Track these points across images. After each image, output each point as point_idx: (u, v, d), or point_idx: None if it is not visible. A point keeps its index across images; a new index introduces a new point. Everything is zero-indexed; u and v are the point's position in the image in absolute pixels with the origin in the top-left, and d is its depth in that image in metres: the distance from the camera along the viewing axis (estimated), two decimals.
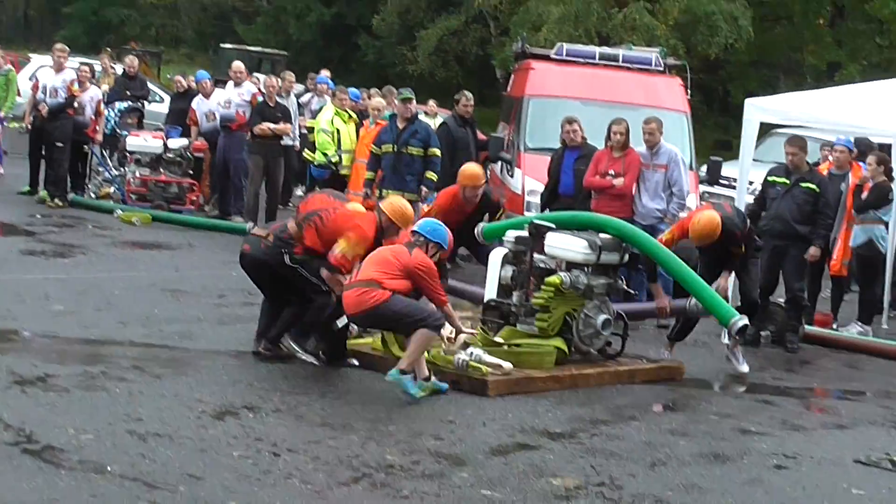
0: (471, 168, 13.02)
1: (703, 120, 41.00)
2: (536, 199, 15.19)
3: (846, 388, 11.52)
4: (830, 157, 15.31)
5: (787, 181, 12.99)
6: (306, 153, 18.59)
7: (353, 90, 20.42)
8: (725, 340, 11.62)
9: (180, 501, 6.71)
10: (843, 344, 13.44)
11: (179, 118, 19.71)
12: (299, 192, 21.54)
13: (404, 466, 7.70)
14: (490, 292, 11.04)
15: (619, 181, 13.49)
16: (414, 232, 9.99)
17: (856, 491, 8.17)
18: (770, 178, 13.27)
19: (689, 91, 17.84)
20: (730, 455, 8.73)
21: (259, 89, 18.67)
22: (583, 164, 14.14)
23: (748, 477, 8.25)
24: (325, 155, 17.02)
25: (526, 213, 15.09)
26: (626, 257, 11.07)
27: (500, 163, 17.22)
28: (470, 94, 17.15)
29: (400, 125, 14.96)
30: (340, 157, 17.00)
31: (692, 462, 8.45)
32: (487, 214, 12.94)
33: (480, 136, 18.30)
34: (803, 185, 12.87)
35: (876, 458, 9.01)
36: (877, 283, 14.39)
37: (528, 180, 15.77)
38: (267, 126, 17.75)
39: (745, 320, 10.73)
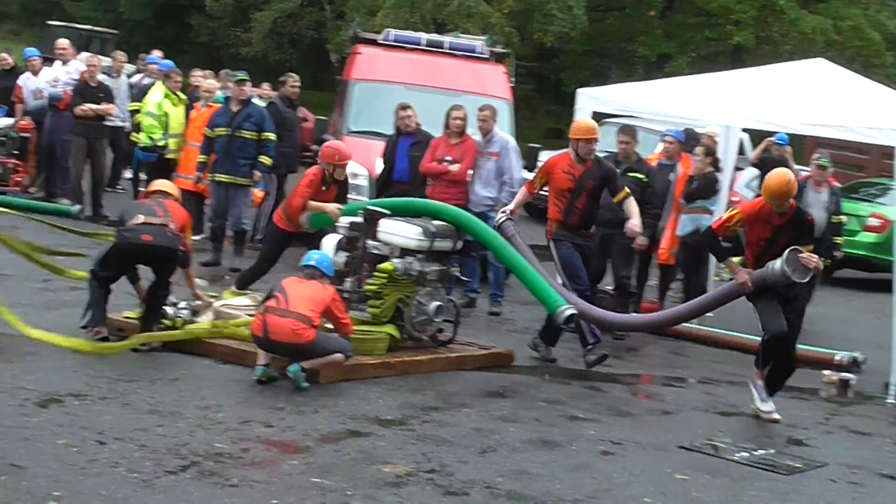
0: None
1: (537, 108, 41.57)
2: (358, 182, 15.18)
3: (671, 374, 11.77)
4: (660, 147, 15.61)
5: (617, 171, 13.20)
6: (133, 135, 18.26)
7: (167, 62, 20.13)
8: (757, 398, 10.51)
9: (1, 493, 6.55)
10: (669, 331, 13.71)
11: (4, 97, 19.19)
12: (129, 174, 21.15)
13: (233, 454, 7.64)
14: None
15: (455, 167, 13.55)
16: (311, 267, 9.96)
17: (679, 476, 8.35)
18: None
19: (513, 79, 18.03)
20: (558, 441, 8.86)
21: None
22: (417, 151, 14.17)
23: (576, 463, 8.39)
24: (150, 138, 16.72)
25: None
26: (460, 244, 11.12)
27: None
28: (297, 76, 17.07)
29: (234, 108, 14.79)
30: (167, 140, 16.70)
31: (522, 448, 8.56)
32: None
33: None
34: (631, 174, 13.10)
35: (699, 443, 9.25)
36: (702, 271, 14.71)
37: (351, 164, 15.70)
38: (89, 107, 17.40)
39: (572, 309, 10.84)
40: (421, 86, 16.52)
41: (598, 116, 15.76)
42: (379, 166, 14.87)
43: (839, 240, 15.34)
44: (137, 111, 17.92)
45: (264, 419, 8.50)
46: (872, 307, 17.20)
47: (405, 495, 7.26)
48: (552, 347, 11.65)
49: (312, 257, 10.06)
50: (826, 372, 12.44)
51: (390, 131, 14.84)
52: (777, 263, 10.10)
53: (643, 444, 9.05)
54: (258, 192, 17.35)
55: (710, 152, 14.38)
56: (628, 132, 13.53)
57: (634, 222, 11.64)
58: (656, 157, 15.36)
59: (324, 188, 12.07)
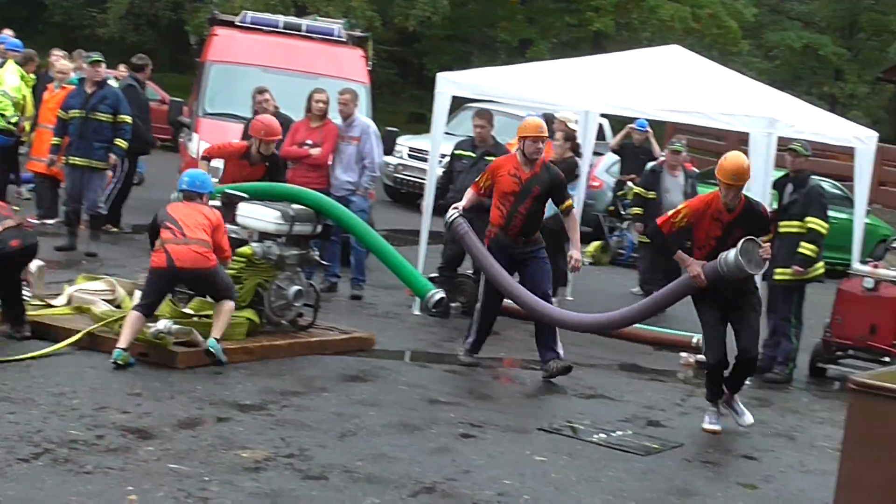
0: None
1: (399, 92, 41.51)
2: (214, 164, 15.01)
3: (532, 358, 11.81)
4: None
5: (473, 154, 13.26)
6: None
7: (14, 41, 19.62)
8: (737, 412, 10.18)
9: None
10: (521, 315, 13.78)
11: None
12: None
13: (88, 441, 7.51)
14: None
15: (315, 151, 13.47)
16: (186, 191, 10.17)
17: (538, 457, 8.41)
18: (457, 152, 13.52)
19: (371, 63, 18.03)
20: (418, 424, 8.85)
21: None
22: None
23: (436, 445, 8.39)
24: (2, 116, 16.25)
25: None
26: (320, 228, 11.04)
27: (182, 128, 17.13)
28: (146, 57, 16.99)
29: (88, 90, 14.48)
30: (21, 122, 16.32)
31: (382, 432, 8.54)
32: None
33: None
34: (488, 158, 13.15)
35: (558, 425, 9.32)
36: (561, 255, 14.80)
37: (204, 145, 15.59)
38: None
39: (441, 293, 10.87)
40: (277, 68, 16.50)
41: (459, 101, 15.85)
42: None
43: None
44: None
45: (120, 405, 8.36)
46: None
47: (263, 480, 7.20)
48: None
49: (184, 180, 10.21)
50: (683, 354, 12.62)
51: (246, 114, 14.72)
52: (731, 254, 9.46)
53: (503, 427, 9.09)
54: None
55: (570, 137, 14.47)
56: (483, 116, 13.59)
57: (576, 254, 11.23)
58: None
59: (250, 164, 11.94)
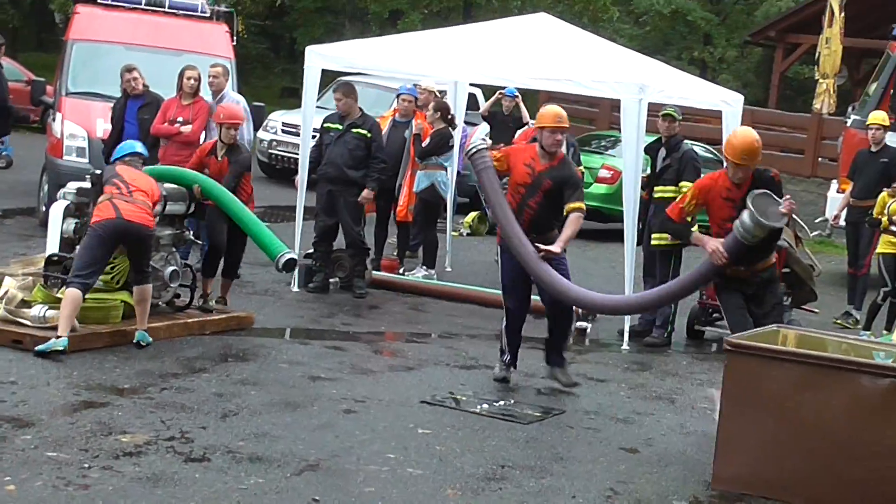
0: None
1: (271, 67, 41.17)
2: (76, 143, 15.18)
3: (413, 330, 11.84)
4: (396, 105, 15.65)
5: (341, 127, 13.23)
6: None
7: None
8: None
9: None
10: (410, 288, 13.82)
11: None
12: None
13: None
14: (52, 246, 10.64)
15: (187, 128, 13.31)
16: (130, 154, 10.47)
17: (422, 430, 8.41)
18: (325, 125, 13.47)
19: (235, 37, 18.00)
20: (300, 402, 8.81)
21: None
22: (146, 113, 13.85)
23: (319, 422, 8.35)
24: None
25: (65, 158, 15.16)
26: (193, 207, 10.91)
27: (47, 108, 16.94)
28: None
29: None
30: None
31: (263, 411, 8.47)
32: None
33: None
34: (354, 130, 13.14)
35: (441, 397, 9.34)
36: (434, 226, 14.84)
37: (68, 124, 15.55)
38: None
39: (292, 254, 10.83)
40: (141, 46, 16.34)
41: (333, 75, 15.75)
42: (100, 127, 14.80)
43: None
44: None
45: None
46: (606, 257, 17.70)
47: (145, 464, 7.11)
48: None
49: (124, 149, 10.50)
50: None
51: (110, 92, 14.59)
52: (745, 215, 8.76)
53: (386, 401, 9.08)
54: None
55: (442, 108, 14.49)
56: (340, 89, 13.57)
57: (554, 248, 9.73)
58: (391, 114, 15.41)
59: (217, 159, 11.66)
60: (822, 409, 7.54)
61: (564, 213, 9.83)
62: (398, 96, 15.43)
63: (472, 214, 19.51)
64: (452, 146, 14.60)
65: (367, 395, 9.18)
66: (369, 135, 13.23)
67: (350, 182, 13.10)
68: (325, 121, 13.58)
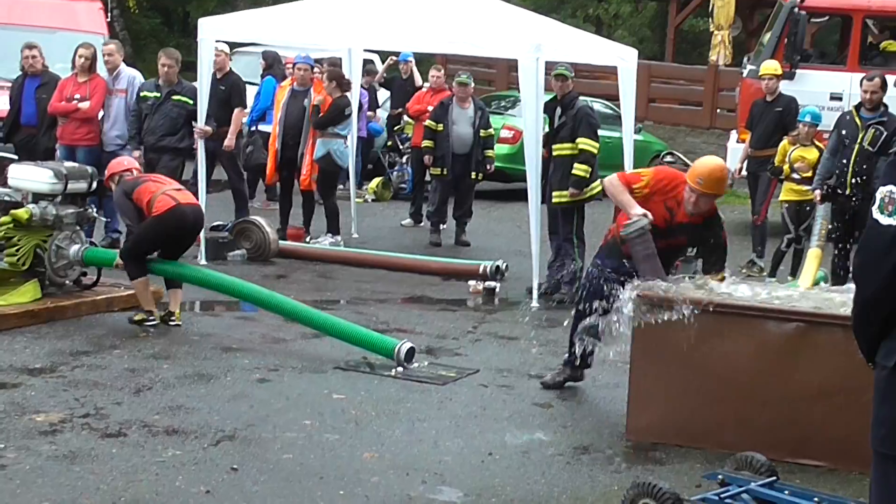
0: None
1: (165, 41, 40.70)
2: None
3: (322, 298, 11.86)
4: (293, 74, 15.63)
5: (159, 94, 13.28)
6: None
7: None
8: None
9: None
10: (317, 256, 13.83)
11: None
12: None
13: None
14: None
15: (84, 105, 13.22)
16: None
17: (336, 396, 8.48)
18: (142, 94, 13.43)
19: (109, 14, 18.48)
20: (213, 373, 8.83)
21: None
22: (44, 92, 13.76)
23: (233, 393, 8.39)
24: None
25: None
26: (95, 185, 10.83)
27: None
28: None
29: None
30: None
31: (177, 384, 8.49)
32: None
33: None
34: (175, 97, 13.16)
35: (354, 362, 9.38)
36: (335, 193, 14.89)
37: None
38: None
39: (408, 342, 9.52)
40: (15, 25, 16.52)
41: (231, 47, 15.67)
42: None
43: (490, 153, 15.83)
44: None
45: None
46: (511, 216, 17.83)
47: (61, 442, 7.11)
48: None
49: None
50: (471, 282, 12.80)
51: None
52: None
53: (299, 369, 9.13)
54: None
55: (336, 77, 14.51)
56: (171, 55, 13.61)
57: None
58: (289, 83, 15.39)
59: None
60: (729, 357, 7.70)
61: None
62: (294, 65, 15.43)
63: (376, 180, 19.55)
64: (349, 114, 14.61)
65: (279, 363, 9.22)
66: (191, 102, 13.35)
67: (167, 150, 13.18)
68: (141, 89, 13.52)
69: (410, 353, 9.37)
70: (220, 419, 7.75)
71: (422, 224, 16.59)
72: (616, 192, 8.45)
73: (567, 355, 9.07)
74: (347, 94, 14.62)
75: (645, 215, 8.20)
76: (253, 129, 16.92)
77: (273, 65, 17.66)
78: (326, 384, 8.76)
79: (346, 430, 7.72)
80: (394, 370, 9.21)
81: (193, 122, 13.36)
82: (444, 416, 8.20)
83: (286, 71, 17.28)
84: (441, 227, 15.85)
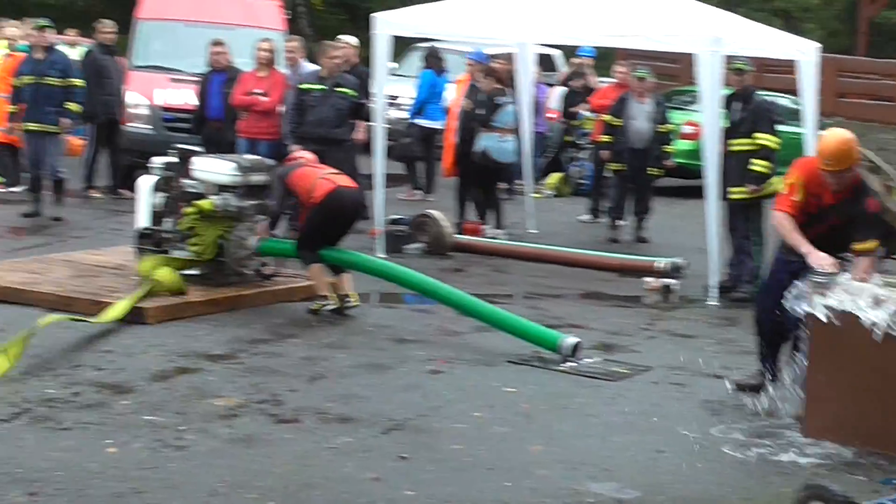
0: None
1: None
2: (139, 111, 16.37)
3: (496, 292, 11.92)
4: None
5: (324, 87, 13.28)
6: None
7: None
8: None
9: None
10: (493, 250, 13.89)
11: None
12: None
13: (65, 399, 7.63)
14: (142, 220, 10.90)
15: (265, 98, 13.57)
16: None
17: (507, 389, 8.54)
18: (303, 86, 13.40)
19: (288, 11, 19.30)
20: (387, 364, 8.98)
21: None
22: (231, 87, 14.18)
23: (406, 383, 8.52)
24: None
25: (128, 125, 16.29)
26: None
27: None
28: (109, 22, 16.78)
29: (38, 56, 14.44)
30: None
31: (351, 373, 8.66)
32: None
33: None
34: (339, 89, 13.27)
35: (526, 356, 9.42)
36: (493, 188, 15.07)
37: (133, 95, 16.52)
38: None
39: (573, 337, 9.57)
40: (199, 22, 17.29)
41: (405, 42, 15.89)
42: (159, 97, 16.15)
43: (668, 148, 15.74)
44: None
45: (94, 363, 8.47)
46: (692, 213, 17.61)
47: (238, 426, 7.33)
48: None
49: None
50: (647, 279, 12.73)
51: (171, 65, 16.33)
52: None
53: (471, 361, 9.22)
54: (75, 140, 17.09)
55: (489, 72, 14.60)
56: (338, 48, 13.74)
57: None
58: (466, 78, 15.50)
59: None
60: None
61: (856, 252, 8.16)
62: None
63: (556, 175, 19.56)
64: (499, 105, 14.52)
65: (453, 355, 9.32)
66: (354, 93, 13.43)
67: (337, 141, 13.31)
68: (300, 82, 13.57)
69: (577, 347, 9.37)
70: (392, 408, 7.88)
71: (600, 220, 16.54)
72: (786, 234, 8.25)
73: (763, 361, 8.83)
74: (507, 87, 14.65)
75: (831, 264, 7.91)
76: (411, 122, 17.21)
77: (432, 58, 17.84)
78: (498, 377, 8.83)
79: (515, 423, 7.78)
80: (565, 365, 9.23)
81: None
82: (615, 412, 8.20)
83: (446, 65, 17.59)
84: (619, 223, 15.79)
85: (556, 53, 23.52)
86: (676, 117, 20.15)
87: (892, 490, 6.34)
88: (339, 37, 14.34)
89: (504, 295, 11.84)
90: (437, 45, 18.55)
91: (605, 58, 21.63)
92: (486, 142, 14.45)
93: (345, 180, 10.56)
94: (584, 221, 16.89)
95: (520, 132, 15.08)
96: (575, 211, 17.54)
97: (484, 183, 14.88)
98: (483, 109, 14.48)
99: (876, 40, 33.43)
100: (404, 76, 19.85)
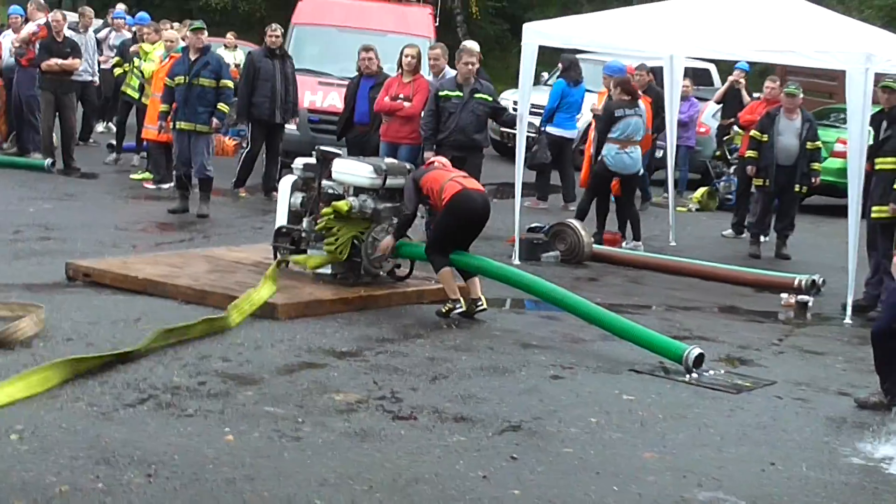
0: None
1: (509, 48, 41.49)
2: None
3: (628, 302, 11.94)
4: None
5: (461, 94, 13.41)
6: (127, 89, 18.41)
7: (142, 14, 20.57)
8: None
9: None
10: (630, 261, 13.92)
11: None
12: (100, 128, 21.42)
13: (190, 387, 7.86)
14: (281, 219, 11.17)
15: (408, 104, 13.79)
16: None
17: (626, 397, 8.57)
18: (442, 93, 13.49)
19: (437, 18, 19.60)
20: (509, 367, 9.07)
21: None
22: (378, 93, 14.40)
23: (525, 387, 8.60)
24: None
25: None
26: None
27: None
28: (276, 26, 17.13)
29: (192, 56, 14.87)
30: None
31: (472, 375, 8.77)
32: None
33: None
34: (477, 96, 13.34)
35: (650, 366, 9.44)
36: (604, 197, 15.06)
37: None
38: (54, 61, 17.47)
39: (697, 349, 9.54)
40: (350, 28, 18.06)
41: (554, 52, 16.00)
42: (307, 99, 16.82)
43: (816, 166, 15.57)
44: (118, 66, 19.05)
45: (222, 354, 8.70)
46: (839, 232, 17.34)
47: (354, 420, 7.48)
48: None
49: None
50: (783, 295, 12.63)
51: (323, 69, 17.21)
52: None
53: (593, 368, 9.27)
54: (228, 141, 17.55)
55: (619, 83, 14.62)
56: (473, 54, 13.77)
57: None
58: (607, 91, 15.52)
59: None
60: None
61: None
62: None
63: (702, 190, 19.49)
64: (619, 118, 14.46)
65: (575, 362, 9.38)
66: (491, 99, 13.60)
67: (477, 147, 13.44)
68: (440, 89, 13.60)
69: (700, 358, 9.33)
70: (509, 410, 7.97)
71: (743, 235, 16.41)
72: None
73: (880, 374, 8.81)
74: (639, 99, 14.66)
75: None
76: (542, 129, 17.33)
77: (569, 68, 17.86)
78: (618, 385, 8.87)
79: (630, 430, 7.82)
80: (688, 376, 9.22)
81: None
82: (732, 423, 8.18)
83: (580, 76, 17.66)
84: (762, 239, 15.67)
85: (713, 68, 23.42)
86: (830, 135, 19.93)
87: None
88: (464, 43, 14.50)
89: (637, 305, 11.87)
90: (582, 56, 18.59)
91: (765, 74, 21.44)
92: (605, 152, 14.48)
93: (473, 183, 10.70)
94: (727, 236, 16.78)
95: (656, 145, 15.10)
96: (720, 226, 17.43)
97: (620, 195, 14.89)
98: (602, 121, 14.57)
99: None
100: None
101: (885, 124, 12.28)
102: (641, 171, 15.13)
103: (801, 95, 15.67)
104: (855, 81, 12.13)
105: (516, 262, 13.13)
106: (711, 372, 9.40)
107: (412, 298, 10.95)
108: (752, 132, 15.78)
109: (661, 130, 16.69)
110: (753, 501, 6.73)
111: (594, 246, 13.97)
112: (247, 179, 16.67)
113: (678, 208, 17.62)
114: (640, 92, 15.02)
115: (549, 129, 17.23)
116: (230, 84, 14.97)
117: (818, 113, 20.74)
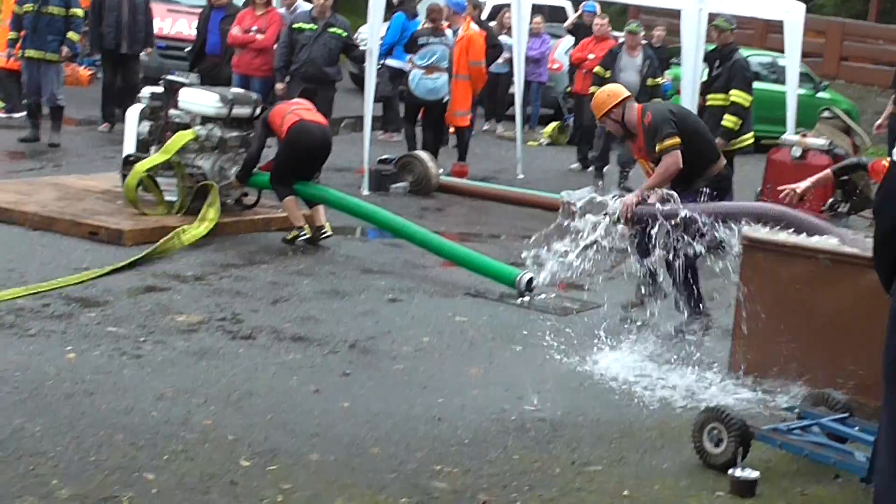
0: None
1: None
2: None
3: (469, 231, 12.33)
4: None
5: (315, 27, 13.74)
6: None
7: None
8: None
9: None
10: (475, 192, 14.30)
11: None
12: None
13: (34, 309, 8.09)
14: (128, 147, 11.34)
15: (260, 36, 13.97)
16: None
17: (459, 318, 8.99)
18: (296, 26, 13.86)
19: None
20: (349, 291, 9.43)
21: None
22: (229, 24, 14.55)
23: (363, 309, 8.97)
24: None
25: None
26: (259, 111, 11.42)
27: None
28: None
29: None
30: None
31: (312, 298, 9.11)
32: None
33: None
34: (331, 30, 13.72)
35: (484, 289, 9.85)
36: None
37: None
38: None
39: (529, 273, 10.00)
40: None
41: None
42: (156, 25, 16.63)
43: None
44: None
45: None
46: None
47: (194, 340, 7.79)
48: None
49: None
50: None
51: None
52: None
53: (430, 292, 9.66)
54: (82, 71, 17.49)
55: (428, 11, 15.30)
56: None
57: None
58: (465, 25, 15.84)
59: None
60: (834, 301, 7.87)
61: None
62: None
63: (553, 125, 19.95)
64: (423, 45, 14.99)
65: (413, 286, 9.77)
66: (345, 34, 13.92)
67: (328, 80, 13.74)
68: (293, 22, 14.01)
69: (531, 282, 9.77)
70: (345, 331, 8.34)
71: (589, 169, 16.90)
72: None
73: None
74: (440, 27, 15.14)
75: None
76: (382, 62, 17.58)
77: (404, 1, 18.08)
78: (452, 307, 9.27)
79: (459, 349, 8.24)
80: (520, 299, 9.65)
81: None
82: (558, 341, 8.59)
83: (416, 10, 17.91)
84: (605, 170, 16.16)
85: (568, 5, 23.83)
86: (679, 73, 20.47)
87: (794, 417, 6.76)
88: None
89: (476, 234, 12.26)
90: None
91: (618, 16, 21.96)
92: (410, 77, 14.92)
93: (314, 115, 10.97)
94: (574, 170, 17.27)
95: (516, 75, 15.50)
96: (568, 160, 17.89)
97: (427, 120, 15.34)
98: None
99: (888, 6, 33.51)
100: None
101: (717, 63, 12.81)
102: (447, 98, 15.36)
103: (642, 33, 16.13)
104: (689, 20, 12.61)
105: (366, 192, 13.45)
106: (542, 296, 9.82)
107: (259, 226, 11.23)
108: (596, 69, 16.18)
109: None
110: (567, 412, 7.16)
111: (441, 177, 14.32)
112: (114, 113, 16.28)
113: (529, 142, 18.08)
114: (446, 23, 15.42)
115: (389, 61, 17.47)
116: (80, 12, 14.98)
117: (672, 51, 21.26)
